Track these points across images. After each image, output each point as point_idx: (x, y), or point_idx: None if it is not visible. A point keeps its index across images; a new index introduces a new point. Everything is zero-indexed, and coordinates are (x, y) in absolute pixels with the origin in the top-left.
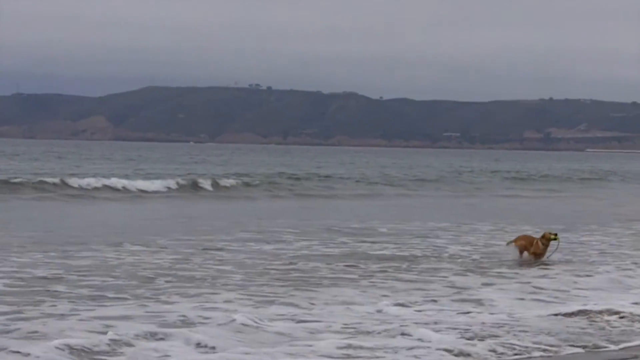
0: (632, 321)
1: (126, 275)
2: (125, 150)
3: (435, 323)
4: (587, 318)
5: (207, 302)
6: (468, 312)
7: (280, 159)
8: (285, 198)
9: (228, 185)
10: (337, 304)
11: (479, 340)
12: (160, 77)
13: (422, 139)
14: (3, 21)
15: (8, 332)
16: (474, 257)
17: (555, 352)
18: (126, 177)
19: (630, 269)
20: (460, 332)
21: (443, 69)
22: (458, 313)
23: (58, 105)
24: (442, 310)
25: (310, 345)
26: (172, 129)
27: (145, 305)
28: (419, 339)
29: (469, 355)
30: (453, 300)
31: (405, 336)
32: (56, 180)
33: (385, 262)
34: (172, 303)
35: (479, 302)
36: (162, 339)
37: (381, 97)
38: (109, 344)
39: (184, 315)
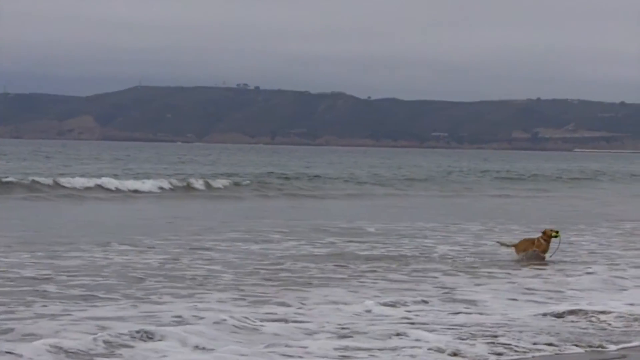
0: (629, 321)
1: (116, 276)
2: (113, 150)
3: (429, 323)
4: (584, 318)
5: (199, 302)
6: (461, 313)
7: (268, 159)
8: (275, 198)
9: (221, 186)
10: (328, 303)
11: (477, 340)
12: (147, 77)
13: (410, 138)
14: None
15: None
16: (464, 257)
17: (555, 352)
18: (116, 176)
19: (622, 269)
20: (456, 332)
21: (431, 69)
22: (449, 314)
23: (45, 105)
24: (434, 310)
25: (305, 347)
26: (159, 129)
27: (137, 306)
28: (416, 339)
29: (469, 355)
30: (444, 301)
31: (401, 336)
32: (49, 180)
33: (374, 262)
34: (163, 303)
35: (471, 302)
36: (156, 339)
37: (369, 97)
38: (102, 345)
39: (177, 316)
